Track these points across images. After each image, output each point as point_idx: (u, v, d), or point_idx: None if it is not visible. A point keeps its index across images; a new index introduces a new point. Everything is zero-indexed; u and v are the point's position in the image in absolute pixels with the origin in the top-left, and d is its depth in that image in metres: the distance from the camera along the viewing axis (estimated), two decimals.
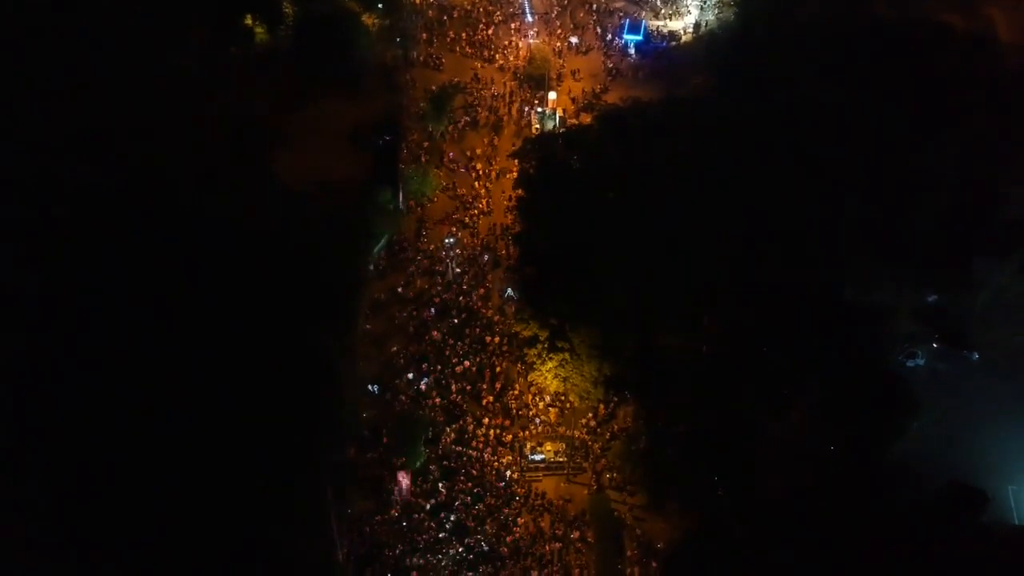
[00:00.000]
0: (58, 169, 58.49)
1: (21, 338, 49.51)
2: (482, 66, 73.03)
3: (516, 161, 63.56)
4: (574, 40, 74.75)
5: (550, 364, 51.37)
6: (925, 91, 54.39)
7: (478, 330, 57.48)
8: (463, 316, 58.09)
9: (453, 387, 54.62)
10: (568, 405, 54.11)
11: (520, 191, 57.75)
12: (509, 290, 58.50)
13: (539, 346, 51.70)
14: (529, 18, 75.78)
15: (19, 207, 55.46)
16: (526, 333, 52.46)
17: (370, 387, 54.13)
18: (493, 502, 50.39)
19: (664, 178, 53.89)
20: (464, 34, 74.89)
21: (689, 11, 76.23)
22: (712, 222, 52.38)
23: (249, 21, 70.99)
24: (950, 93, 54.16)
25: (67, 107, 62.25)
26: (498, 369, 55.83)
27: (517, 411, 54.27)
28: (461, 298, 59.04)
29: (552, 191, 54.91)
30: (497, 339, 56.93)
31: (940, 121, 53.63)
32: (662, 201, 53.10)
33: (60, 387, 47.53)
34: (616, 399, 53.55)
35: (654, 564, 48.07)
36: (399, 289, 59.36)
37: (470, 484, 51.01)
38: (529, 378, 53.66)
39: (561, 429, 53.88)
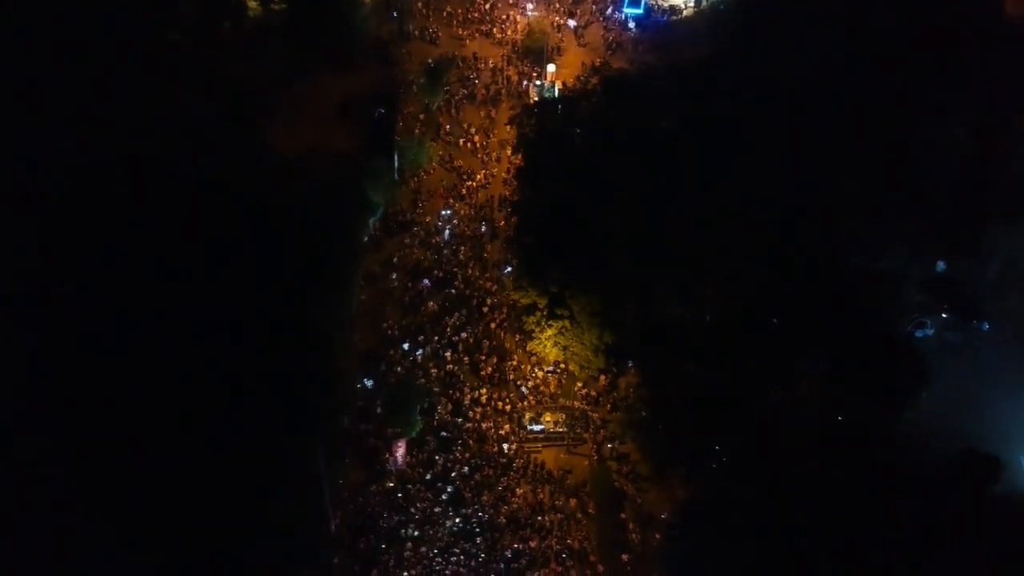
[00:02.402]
0: (50, 143, 57.41)
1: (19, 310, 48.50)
2: (478, 39, 71.80)
3: (514, 132, 62.27)
4: (572, 23, 73.54)
5: (549, 332, 50.02)
6: (932, 54, 53.00)
7: (475, 301, 56.18)
8: (460, 287, 56.76)
9: (449, 357, 53.24)
10: (567, 375, 52.65)
11: (519, 159, 56.45)
12: (508, 268, 57.28)
13: (538, 314, 50.37)
14: None
15: (12, 179, 54.46)
16: (524, 301, 51.13)
17: (365, 382, 52.62)
18: (491, 473, 49.00)
19: (667, 143, 52.60)
20: (461, 8, 73.67)
21: None
22: (716, 188, 51.12)
23: None
24: (957, 55, 52.78)
25: (59, 82, 61.17)
26: (495, 341, 54.49)
27: (515, 381, 52.89)
28: (457, 269, 57.73)
29: (551, 155, 53.60)
30: (494, 308, 55.61)
31: (948, 83, 52.28)
32: (664, 166, 51.82)
33: (48, 356, 46.39)
34: (616, 369, 52.21)
35: (657, 536, 46.58)
36: (394, 260, 58.04)
37: (467, 455, 49.60)
38: (528, 347, 52.28)
39: (561, 400, 52.45)
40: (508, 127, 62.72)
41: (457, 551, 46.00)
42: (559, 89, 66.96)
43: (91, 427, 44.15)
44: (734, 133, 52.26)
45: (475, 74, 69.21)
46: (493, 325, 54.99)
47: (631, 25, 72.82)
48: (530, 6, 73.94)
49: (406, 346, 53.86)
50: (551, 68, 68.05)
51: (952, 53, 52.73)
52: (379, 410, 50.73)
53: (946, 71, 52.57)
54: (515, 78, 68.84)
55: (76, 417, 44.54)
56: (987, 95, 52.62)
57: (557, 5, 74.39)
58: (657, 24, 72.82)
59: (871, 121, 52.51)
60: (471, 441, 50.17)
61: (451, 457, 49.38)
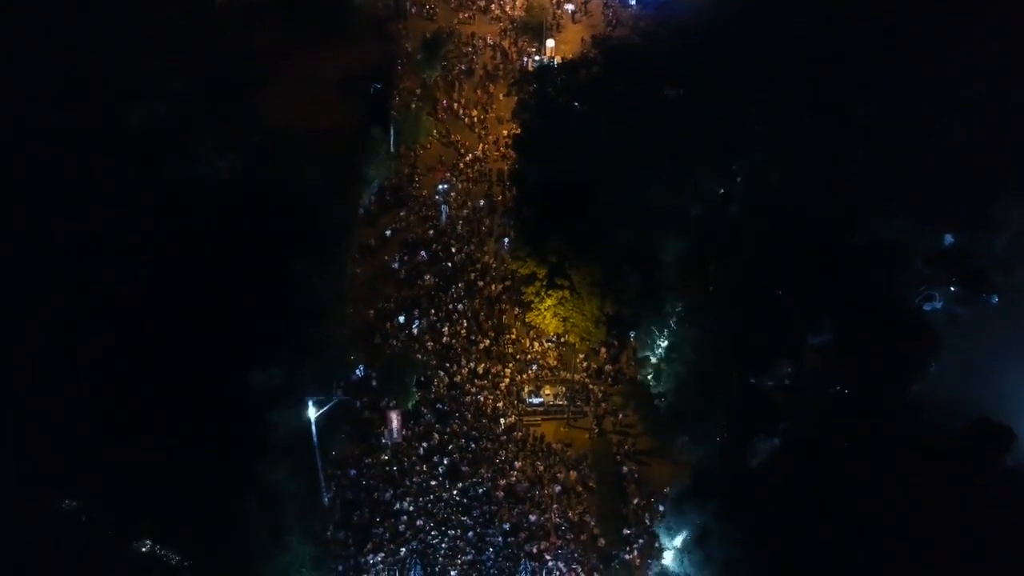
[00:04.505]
0: (47, 119, 56.48)
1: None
2: (477, 17, 70.85)
3: (513, 105, 61.20)
4: (570, 8, 72.61)
5: (549, 302, 48.66)
6: (943, 16, 51.91)
7: (473, 274, 54.98)
8: (457, 260, 55.59)
9: (446, 330, 52.01)
10: (567, 348, 51.41)
11: (516, 126, 55.36)
12: (506, 240, 56.15)
13: (537, 284, 49.00)
14: None
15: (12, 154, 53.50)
16: (524, 271, 49.86)
17: (358, 371, 51.07)
18: (488, 446, 47.67)
19: (668, 110, 51.50)
20: None
21: None
22: (720, 156, 50.08)
23: None
24: (969, 17, 51.69)
25: (57, 58, 60.29)
26: (493, 315, 53.28)
27: (514, 355, 51.67)
28: (455, 242, 56.63)
29: (551, 123, 52.47)
30: (492, 281, 54.44)
31: (960, 47, 51.15)
32: (666, 133, 50.67)
33: (50, 322, 45.29)
34: (617, 342, 50.99)
35: (660, 508, 45.28)
36: (387, 233, 56.99)
37: (464, 427, 48.31)
38: (527, 318, 50.96)
39: (562, 373, 51.18)
40: (503, 97, 61.83)
41: (454, 523, 44.68)
42: (559, 63, 65.84)
43: (83, 392, 43.04)
44: (738, 101, 51.22)
45: (472, 50, 68.18)
46: (491, 297, 53.69)
47: (632, 2, 71.75)
48: None
49: (402, 319, 52.60)
50: (550, 43, 67.07)
51: (964, 15, 51.54)
52: (374, 382, 49.51)
53: (958, 34, 51.34)
54: (513, 53, 67.76)
55: (70, 382, 43.51)
56: (1000, 60, 51.30)
57: None
58: (659, 1, 71.66)
59: (878, 87, 51.50)
60: (468, 414, 48.90)
61: (448, 430, 48.10)
